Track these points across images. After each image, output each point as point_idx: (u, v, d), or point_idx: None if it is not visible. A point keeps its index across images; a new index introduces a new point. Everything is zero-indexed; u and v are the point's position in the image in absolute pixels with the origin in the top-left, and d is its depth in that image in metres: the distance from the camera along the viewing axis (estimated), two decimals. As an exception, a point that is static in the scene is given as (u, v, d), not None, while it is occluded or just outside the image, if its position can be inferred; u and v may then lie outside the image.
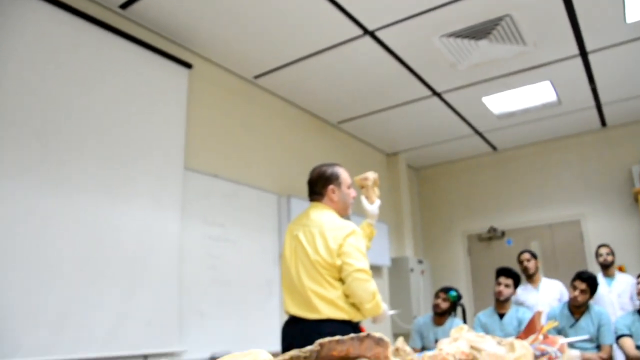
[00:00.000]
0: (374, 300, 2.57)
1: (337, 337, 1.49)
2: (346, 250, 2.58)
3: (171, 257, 3.49)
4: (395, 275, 6.47)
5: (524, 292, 4.91)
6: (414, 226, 7.38)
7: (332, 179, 2.83)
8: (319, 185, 2.84)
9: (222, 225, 4.00)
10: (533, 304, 4.76)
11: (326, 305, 2.57)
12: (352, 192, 2.90)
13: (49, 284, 2.83)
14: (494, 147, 7.14)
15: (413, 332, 4.80)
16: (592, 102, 5.75)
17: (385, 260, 6.16)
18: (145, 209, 3.40)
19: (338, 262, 2.57)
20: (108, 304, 3.09)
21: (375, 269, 6.02)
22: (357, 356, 1.55)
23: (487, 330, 4.43)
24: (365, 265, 2.59)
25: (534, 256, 4.97)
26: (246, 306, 4.07)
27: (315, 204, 2.84)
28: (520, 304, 4.72)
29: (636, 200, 5.89)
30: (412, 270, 6.46)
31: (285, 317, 2.83)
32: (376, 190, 3.15)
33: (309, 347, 1.53)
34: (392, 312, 3.01)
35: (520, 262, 4.99)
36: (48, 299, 2.82)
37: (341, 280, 2.61)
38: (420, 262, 6.79)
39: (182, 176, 3.68)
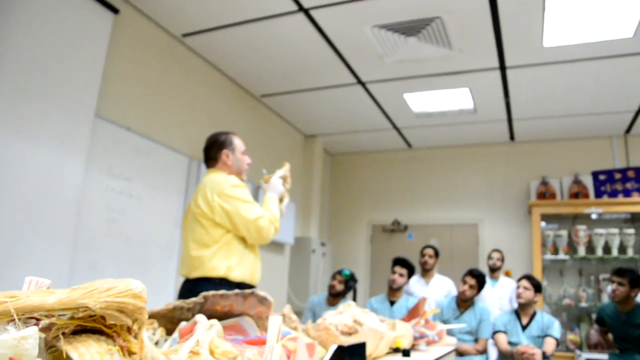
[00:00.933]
0: (277, 231, 2.86)
1: (222, 292, 1.51)
2: (228, 204, 2.76)
3: (70, 204, 3.34)
4: (297, 254, 6.54)
5: (415, 284, 5.12)
6: (322, 209, 7.48)
7: (226, 144, 2.98)
8: (213, 150, 2.99)
9: (127, 180, 3.88)
10: (421, 296, 4.96)
11: (202, 264, 2.72)
12: (247, 159, 3.04)
13: None
14: (409, 144, 7.35)
15: (306, 310, 4.89)
16: (504, 115, 6.05)
17: (289, 239, 6.21)
18: (49, 151, 3.23)
19: (217, 217, 2.74)
20: (-3, 242, 2.93)
21: (278, 246, 6.06)
22: (240, 313, 1.57)
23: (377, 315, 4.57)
24: (257, 213, 2.78)
25: (436, 254, 5.20)
26: (143, 264, 3.98)
27: (209, 170, 3.02)
28: (410, 294, 4.91)
29: (530, 212, 6.28)
30: (314, 251, 6.56)
31: (180, 282, 2.91)
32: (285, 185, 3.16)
33: (193, 299, 1.53)
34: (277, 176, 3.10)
35: (423, 255, 5.19)
36: None
37: (224, 234, 2.78)
38: (323, 244, 6.90)
39: (91, 123, 3.52)
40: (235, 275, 2.73)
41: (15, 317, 0.67)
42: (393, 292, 4.61)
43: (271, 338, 1.11)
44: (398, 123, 6.53)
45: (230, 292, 1.49)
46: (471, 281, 4.43)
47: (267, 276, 4.40)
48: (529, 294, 4.25)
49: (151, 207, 4.09)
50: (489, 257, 5.46)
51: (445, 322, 4.38)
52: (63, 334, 0.78)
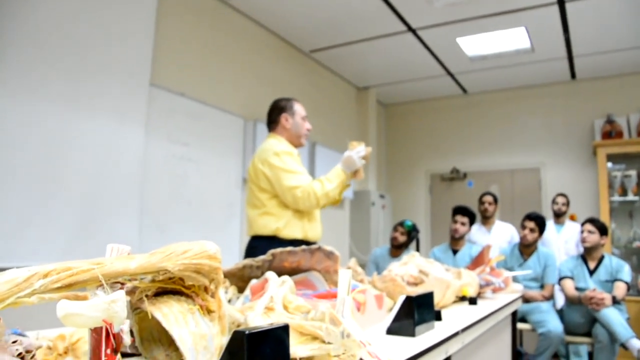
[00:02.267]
0: (322, 202, 2.84)
1: (289, 248, 1.54)
2: (270, 172, 2.87)
3: (134, 173, 3.46)
4: (356, 207, 6.57)
5: (477, 232, 5.08)
6: (379, 161, 7.45)
7: (286, 108, 3.05)
8: (274, 113, 3.08)
9: (186, 145, 3.96)
10: (483, 244, 4.93)
11: (254, 223, 2.92)
12: (307, 125, 3.08)
13: (6, 193, 2.78)
14: (464, 90, 7.17)
15: (369, 262, 4.94)
16: (564, 53, 5.78)
17: (347, 193, 6.24)
18: (109, 123, 3.33)
19: (262, 183, 2.89)
20: (69, 216, 3.07)
21: (338, 201, 6.11)
22: (308, 268, 1.60)
23: (439, 265, 4.57)
24: (295, 182, 2.82)
25: (495, 200, 5.12)
26: (207, 225, 4.10)
27: (269, 134, 3.11)
28: (472, 243, 4.87)
29: (594, 153, 6.04)
30: (373, 204, 6.57)
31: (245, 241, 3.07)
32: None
33: (261, 257, 1.57)
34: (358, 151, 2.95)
35: (482, 202, 5.13)
36: (5, 208, 2.78)
37: (269, 198, 2.90)
38: (382, 196, 6.89)
39: (147, 92, 3.60)
40: (285, 235, 2.86)
41: (103, 282, 0.70)
42: (455, 241, 4.58)
43: (342, 291, 1.14)
44: (452, 69, 6.36)
45: (297, 249, 1.52)
46: (530, 224, 4.34)
47: (328, 231, 4.46)
48: (593, 237, 4.13)
49: (211, 170, 4.18)
50: (554, 202, 5.32)
51: (509, 269, 4.34)
52: (146, 296, 0.82)
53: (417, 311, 1.41)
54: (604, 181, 5.73)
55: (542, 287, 4.32)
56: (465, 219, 4.56)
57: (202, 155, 4.09)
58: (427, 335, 1.44)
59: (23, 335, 0.79)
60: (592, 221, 4.22)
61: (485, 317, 1.99)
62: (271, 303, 1.01)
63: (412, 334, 1.39)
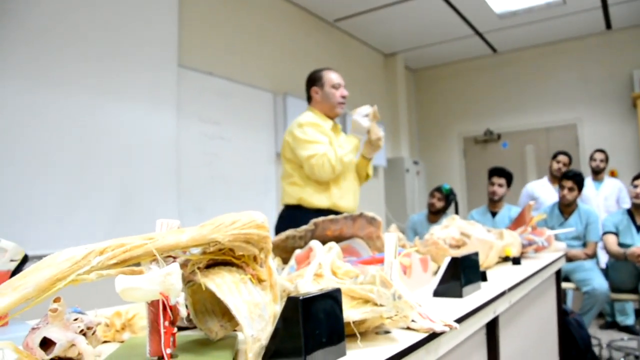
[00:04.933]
0: (337, 168, 2.77)
1: (331, 217, 1.54)
2: (292, 142, 2.86)
3: (169, 154, 3.51)
4: (390, 175, 6.54)
5: (542, 188, 5.03)
6: (410, 127, 7.39)
7: (315, 80, 2.98)
8: (306, 88, 3.04)
9: (217, 123, 3.99)
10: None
11: (284, 192, 2.97)
12: (340, 92, 2.95)
13: (50, 180, 2.86)
14: (493, 49, 7.01)
15: (407, 229, 4.93)
16: (598, 2, 5.58)
17: (381, 161, 6.21)
18: (142, 107, 3.38)
19: (287, 154, 2.91)
20: (108, 200, 3.14)
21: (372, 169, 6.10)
22: (350, 235, 1.61)
23: (479, 228, 4.54)
24: (311, 151, 2.78)
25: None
26: (243, 202, 4.14)
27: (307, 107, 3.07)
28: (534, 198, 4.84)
29: (634, 105, 5.85)
30: (407, 170, 6.53)
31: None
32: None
33: (303, 227, 1.57)
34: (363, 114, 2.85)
35: (594, 159, 5.07)
36: (50, 195, 2.86)
37: (295, 168, 2.90)
38: (415, 163, 6.85)
39: (176, 73, 3.63)
40: (309, 204, 2.85)
41: (158, 256, 0.71)
42: (494, 204, 4.53)
43: (389, 254, 1.13)
44: (480, 28, 6.21)
45: (339, 217, 1.52)
46: (568, 183, 4.23)
47: (364, 200, 4.44)
48: None
49: (243, 146, 4.20)
50: (592, 159, 5.19)
51: (550, 229, 4.27)
52: (198, 268, 0.83)
53: (463, 272, 1.40)
54: (645, 134, 5.57)
55: (584, 245, 4.25)
56: (502, 180, 4.49)
57: (234, 132, 4.11)
58: (474, 295, 1.44)
59: (83, 314, 0.81)
60: None
61: (530, 276, 1.97)
62: (320, 270, 1.01)
63: (459, 295, 1.39)
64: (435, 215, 4.71)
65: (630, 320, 4.99)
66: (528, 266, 2.16)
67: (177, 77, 3.64)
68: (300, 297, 0.77)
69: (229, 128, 4.08)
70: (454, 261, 1.41)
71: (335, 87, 2.94)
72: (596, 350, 4.20)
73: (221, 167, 3.96)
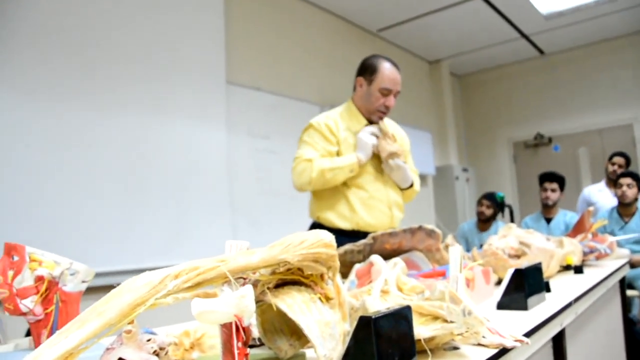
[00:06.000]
0: (315, 181, 2.34)
1: (390, 230, 1.53)
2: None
3: (220, 170, 3.57)
4: (440, 183, 6.48)
5: (598, 193, 4.88)
6: (458, 134, 7.30)
7: (366, 69, 2.44)
8: (356, 74, 2.52)
9: (266, 138, 4.04)
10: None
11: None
12: (386, 100, 2.39)
13: (109, 199, 2.96)
14: (541, 51, 6.87)
15: (458, 238, 4.85)
16: (648, -3, 5.42)
17: (430, 169, 6.15)
18: (192, 125, 3.45)
19: None
20: (165, 218, 3.21)
21: (421, 178, 6.03)
22: (409, 248, 1.59)
23: (533, 234, 4.43)
24: (299, 153, 2.43)
25: (627, 162, 4.91)
26: (297, 215, 4.14)
27: None
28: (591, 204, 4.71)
29: (693, 100, 5.63)
30: (457, 178, 6.45)
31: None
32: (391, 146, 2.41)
33: (362, 241, 1.57)
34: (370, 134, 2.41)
35: (613, 163, 4.91)
36: (109, 213, 2.95)
37: None
38: (465, 170, 6.76)
39: (224, 90, 3.70)
40: (328, 222, 2.42)
41: (231, 278, 0.72)
42: (548, 209, 4.41)
43: (454, 268, 1.12)
44: (526, 30, 6.10)
45: (398, 230, 1.51)
46: (627, 180, 4.07)
47: (413, 210, 4.41)
48: None
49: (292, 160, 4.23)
50: (652, 159, 5.01)
51: (609, 234, 4.13)
52: (268, 288, 0.83)
53: (527, 284, 1.37)
54: None
55: (647, 249, 4.09)
56: (555, 185, 4.37)
57: (284, 146, 4.15)
58: (540, 307, 1.40)
59: (154, 334, 0.82)
60: None
61: (594, 285, 1.90)
62: (386, 286, 1.01)
63: (524, 307, 1.35)
64: (485, 223, 4.63)
65: (699, 327, 4.77)
66: (591, 275, 2.10)
67: (226, 94, 3.71)
68: (373, 317, 0.76)
69: (278, 142, 4.12)
70: (518, 272, 1.38)
71: (383, 92, 2.38)
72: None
73: (272, 182, 4.00)
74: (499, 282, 1.84)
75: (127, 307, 0.63)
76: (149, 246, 3.11)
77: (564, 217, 4.37)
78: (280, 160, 4.09)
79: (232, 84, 3.82)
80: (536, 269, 1.49)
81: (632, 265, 3.94)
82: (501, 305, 1.39)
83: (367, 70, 2.43)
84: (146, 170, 3.15)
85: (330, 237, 0.87)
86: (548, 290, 1.64)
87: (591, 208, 2.72)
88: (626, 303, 2.81)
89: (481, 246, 4.27)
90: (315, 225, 2.48)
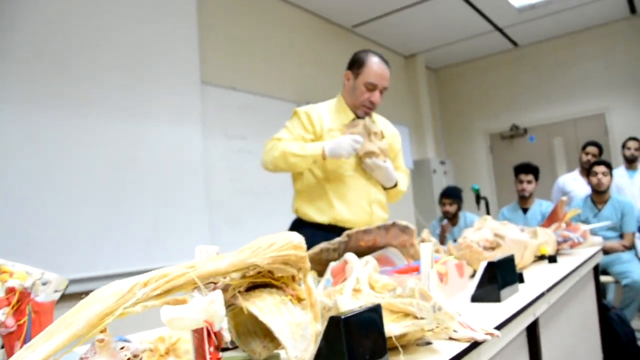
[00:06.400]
0: (277, 162, 2.34)
1: (364, 228, 1.54)
2: None
3: (197, 171, 3.55)
4: (418, 177, 6.52)
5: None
6: (435, 127, 7.34)
7: (354, 63, 2.44)
8: (347, 67, 2.49)
9: (243, 138, 4.03)
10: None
11: None
12: (371, 95, 2.38)
13: (83, 205, 2.92)
14: (514, 43, 6.94)
15: (433, 234, 4.86)
16: (620, -12, 5.49)
17: (407, 163, 6.18)
18: (167, 126, 3.43)
19: None
20: (141, 220, 3.19)
21: (398, 173, 6.07)
22: (384, 245, 1.61)
23: (510, 225, 4.49)
24: (275, 135, 2.42)
25: (600, 151, 4.99)
26: (272, 214, 4.16)
27: None
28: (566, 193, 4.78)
29: (664, 88, 5.72)
30: (434, 171, 6.50)
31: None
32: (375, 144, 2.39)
33: (337, 239, 1.58)
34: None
35: (628, 148, 4.98)
36: (83, 219, 2.92)
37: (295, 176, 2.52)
38: (442, 163, 6.81)
39: (199, 90, 3.68)
40: (306, 216, 2.42)
41: (200, 284, 0.73)
42: (524, 200, 4.47)
43: (425, 264, 1.13)
44: (499, 23, 6.16)
45: (372, 227, 1.53)
46: (601, 169, 4.15)
47: (392, 204, 4.43)
48: None
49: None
50: (625, 147, 5.07)
51: (583, 222, 4.21)
52: (238, 292, 0.84)
53: (500, 276, 1.39)
54: (678, 117, 5.42)
55: (621, 236, 4.17)
56: (530, 176, 4.43)
57: (260, 145, 4.09)
58: (513, 299, 1.43)
59: (128, 341, 0.83)
60: None
61: (567, 274, 1.94)
62: (358, 284, 1.02)
63: (497, 299, 1.38)
64: (452, 219, 4.65)
65: (674, 310, 4.89)
66: (565, 264, 2.14)
67: (201, 94, 3.69)
68: (342, 317, 0.77)
69: (255, 141, 4.11)
70: (491, 265, 1.40)
71: (368, 87, 2.36)
72: (640, 343, 4.13)
73: (249, 181, 3.99)
74: (474, 275, 1.87)
75: (95, 318, 0.63)
76: (127, 250, 3.09)
77: (540, 206, 4.43)
78: (256, 159, 4.05)
79: (207, 84, 3.80)
80: (509, 261, 1.51)
81: (606, 251, 4.02)
82: (475, 298, 1.41)
83: (355, 64, 2.43)
84: (122, 173, 3.13)
85: (299, 239, 0.88)
86: (521, 281, 1.67)
87: (564, 198, 2.76)
88: (600, 289, 2.87)
89: (455, 240, 4.32)
90: (296, 220, 2.48)
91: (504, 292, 1.40)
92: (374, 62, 2.39)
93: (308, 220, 2.39)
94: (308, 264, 0.90)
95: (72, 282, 2.86)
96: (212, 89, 3.84)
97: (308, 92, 4.84)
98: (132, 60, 3.29)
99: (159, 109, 3.39)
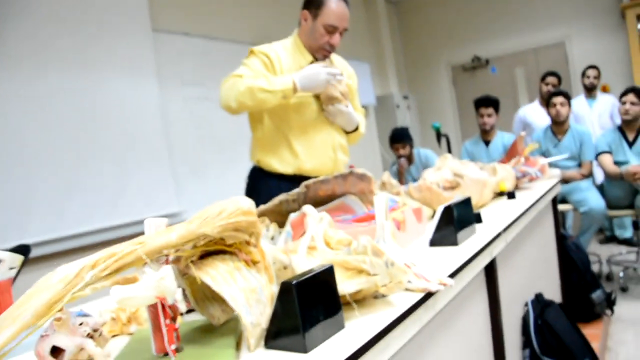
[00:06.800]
0: (240, 99, 2.15)
1: (322, 177, 1.55)
2: None
3: (156, 123, 3.48)
4: (381, 113, 6.52)
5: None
6: (397, 62, 7.28)
7: (311, 2, 2.25)
8: (302, 7, 2.30)
9: (201, 85, 3.94)
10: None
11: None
12: (331, 38, 2.25)
13: (41, 165, 2.85)
14: (475, -28, 6.85)
15: (391, 175, 4.82)
16: None
17: (370, 99, 6.17)
18: (120, 79, 3.30)
19: None
20: (105, 178, 3.14)
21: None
22: (342, 193, 1.62)
23: (473, 158, 4.55)
24: (234, 72, 2.24)
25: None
26: (239, 162, 4.13)
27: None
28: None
29: (623, 16, 5.72)
30: (398, 106, 6.50)
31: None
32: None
33: (295, 190, 1.59)
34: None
35: (587, 76, 5.07)
36: (46, 183, 2.86)
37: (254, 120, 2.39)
38: (405, 97, 6.80)
39: (152, 39, 3.53)
40: (268, 166, 2.33)
41: (147, 261, 0.73)
42: (486, 133, 4.52)
43: (380, 216, 1.15)
44: (458, -48, 6.03)
45: (329, 177, 1.53)
46: (559, 99, 4.19)
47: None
48: (636, 108, 3.92)
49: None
50: (584, 76, 5.13)
51: (544, 152, 4.29)
52: (192, 262, 0.84)
53: (456, 219, 1.42)
54: (635, 45, 5.46)
55: (580, 165, 4.26)
56: (490, 110, 4.45)
57: (219, 92, 4.05)
58: (470, 241, 1.46)
59: (87, 316, 0.83)
60: (635, 91, 3.98)
61: (525, 211, 1.99)
62: (313, 242, 1.03)
63: (454, 242, 1.41)
64: (408, 159, 4.57)
65: (628, 233, 5.09)
66: (523, 199, 2.19)
67: (153, 42, 3.55)
68: (294, 282, 0.79)
69: (214, 88, 4.01)
70: (447, 209, 1.43)
71: (328, 29, 2.22)
72: (596, 267, 4.31)
73: (212, 129, 3.92)
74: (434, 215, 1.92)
75: (42, 308, 0.63)
76: (90, 208, 3.04)
77: (502, 138, 4.48)
78: (216, 106, 3.95)
79: (159, 31, 3.65)
80: (465, 203, 1.54)
81: (565, 180, 4.12)
82: (433, 242, 1.45)
83: (312, 3, 2.24)
84: (77, 130, 3.04)
85: (248, 204, 0.88)
86: (479, 221, 1.71)
87: (523, 133, 2.80)
88: (558, 220, 2.96)
89: (415, 180, 4.36)
90: (256, 169, 2.40)
91: (461, 235, 1.44)
92: (333, 3, 2.21)
93: (271, 171, 2.32)
94: (259, 228, 0.91)
95: (38, 244, 2.85)
96: (165, 36, 3.69)
97: (265, 32, 4.71)
98: (76, 11, 3.12)
99: (111, 61, 3.26)
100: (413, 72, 7.55)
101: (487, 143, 4.52)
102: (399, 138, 4.49)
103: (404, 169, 4.51)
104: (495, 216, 1.83)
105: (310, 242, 1.03)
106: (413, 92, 7.42)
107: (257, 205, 2.41)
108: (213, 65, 4.04)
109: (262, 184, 2.35)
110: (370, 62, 6.36)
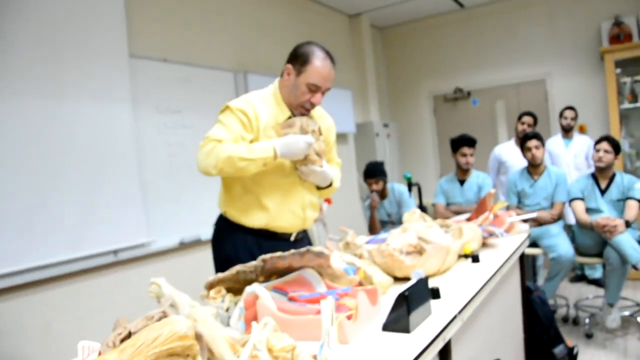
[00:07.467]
0: (220, 165, 2.09)
1: (279, 254, 1.54)
2: None
3: (128, 150, 3.43)
4: (360, 141, 6.51)
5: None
6: (380, 89, 7.29)
7: (297, 58, 2.21)
8: (287, 60, 2.28)
9: (177, 112, 3.89)
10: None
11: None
12: (312, 97, 2.22)
13: (5, 193, 2.78)
14: (460, 4, 6.88)
15: (365, 212, 4.82)
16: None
17: (350, 127, 6.17)
18: (95, 105, 3.24)
19: None
20: (72, 205, 3.07)
21: (341, 137, 6.04)
22: (300, 267, 1.61)
23: (448, 197, 4.58)
24: (210, 132, 2.19)
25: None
26: (212, 190, 4.09)
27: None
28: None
29: (602, 59, 5.81)
30: (377, 134, 6.51)
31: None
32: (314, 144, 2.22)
33: (253, 263, 1.58)
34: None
35: (565, 117, 5.17)
36: (9, 210, 2.79)
37: None
38: (385, 125, 6.81)
39: (127, 64, 3.48)
40: (234, 218, 2.32)
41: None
42: (463, 172, 4.55)
43: (326, 321, 1.14)
44: (445, -16, 6.08)
45: (286, 253, 1.52)
46: (533, 143, 4.25)
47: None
48: (610, 157, 3.98)
49: (205, 133, 4.13)
50: (562, 117, 5.21)
51: (519, 192, 4.34)
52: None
53: (410, 306, 1.42)
54: (612, 89, 5.54)
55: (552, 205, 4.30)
56: (473, 150, 4.49)
57: (196, 119, 4.01)
58: (424, 326, 1.46)
59: None
60: (609, 139, 4.04)
61: (488, 280, 2.00)
62: (255, 351, 1.02)
63: (407, 330, 1.41)
64: (381, 194, 4.57)
65: (598, 274, 5.18)
66: (487, 264, 2.19)
67: (129, 68, 3.50)
68: None
69: (190, 115, 3.99)
70: (401, 297, 1.42)
71: (311, 88, 2.19)
72: (564, 310, 4.36)
73: (186, 156, 3.86)
74: (397, 279, 1.91)
75: None
76: (57, 238, 2.98)
77: (477, 178, 4.52)
78: (193, 134, 3.95)
79: (136, 57, 3.59)
80: (420, 286, 1.54)
81: (539, 223, 4.16)
82: (386, 327, 1.44)
83: (298, 59, 2.20)
84: (48, 156, 2.98)
85: (185, 328, 0.86)
86: (437, 296, 1.71)
87: (493, 190, 2.82)
88: (525, 274, 2.98)
89: (389, 215, 4.33)
90: (222, 219, 2.38)
91: (414, 320, 1.43)
92: (319, 62, 2.18)
93: (237, 223, 2.30)
94: (197, 349, 0.89)
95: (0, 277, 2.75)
96: (142, 62, 3.63)
97: (246, 59, 4.70)
98: (52, 35, 3.06)
99: (84, 87, 3.19)
100: (395, 99, 7.57)
101: (462, 182, 4.55)
102: (372, 174, 4.51)
103: (377, 202, 4.52)
104: (455, 287, 1.83)
105: (252, 351, 1.02)
106: (394, 120, 7.45)
107: (222, 252, 2.44)
108: (191, 92, 4.02)
109: (227, 236, 2.34)
110: (352, 88, 6.36)
